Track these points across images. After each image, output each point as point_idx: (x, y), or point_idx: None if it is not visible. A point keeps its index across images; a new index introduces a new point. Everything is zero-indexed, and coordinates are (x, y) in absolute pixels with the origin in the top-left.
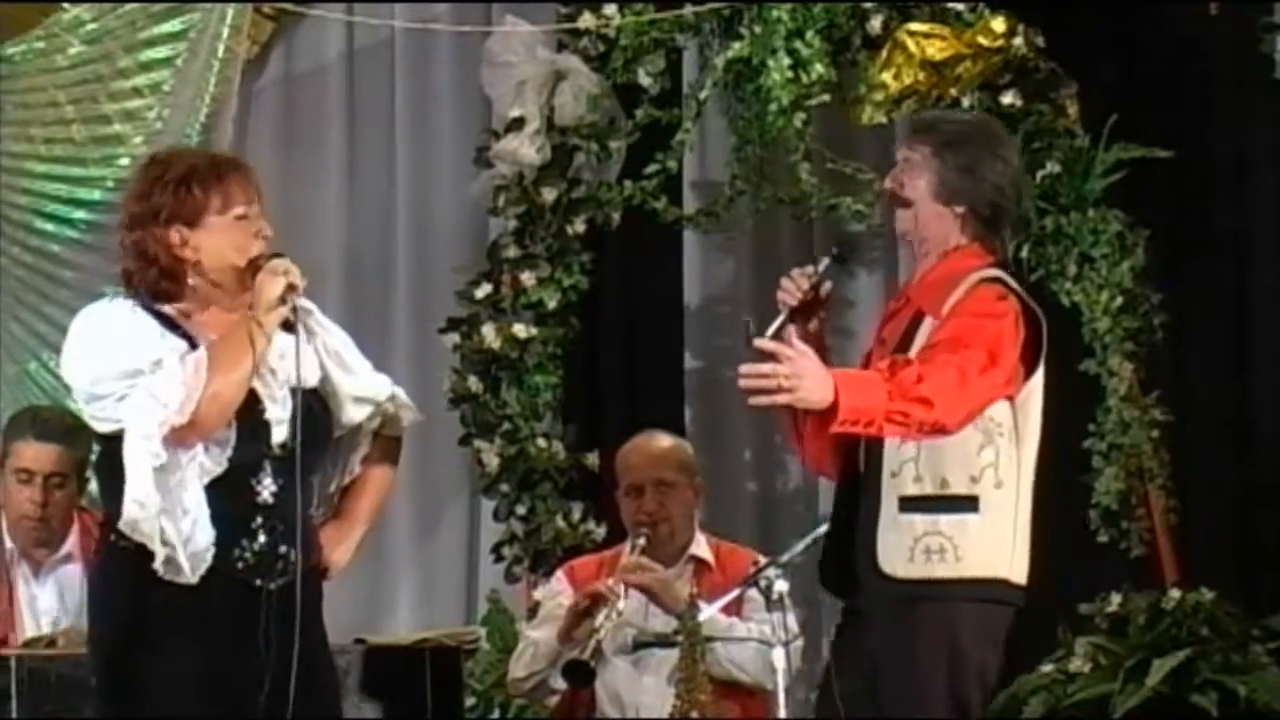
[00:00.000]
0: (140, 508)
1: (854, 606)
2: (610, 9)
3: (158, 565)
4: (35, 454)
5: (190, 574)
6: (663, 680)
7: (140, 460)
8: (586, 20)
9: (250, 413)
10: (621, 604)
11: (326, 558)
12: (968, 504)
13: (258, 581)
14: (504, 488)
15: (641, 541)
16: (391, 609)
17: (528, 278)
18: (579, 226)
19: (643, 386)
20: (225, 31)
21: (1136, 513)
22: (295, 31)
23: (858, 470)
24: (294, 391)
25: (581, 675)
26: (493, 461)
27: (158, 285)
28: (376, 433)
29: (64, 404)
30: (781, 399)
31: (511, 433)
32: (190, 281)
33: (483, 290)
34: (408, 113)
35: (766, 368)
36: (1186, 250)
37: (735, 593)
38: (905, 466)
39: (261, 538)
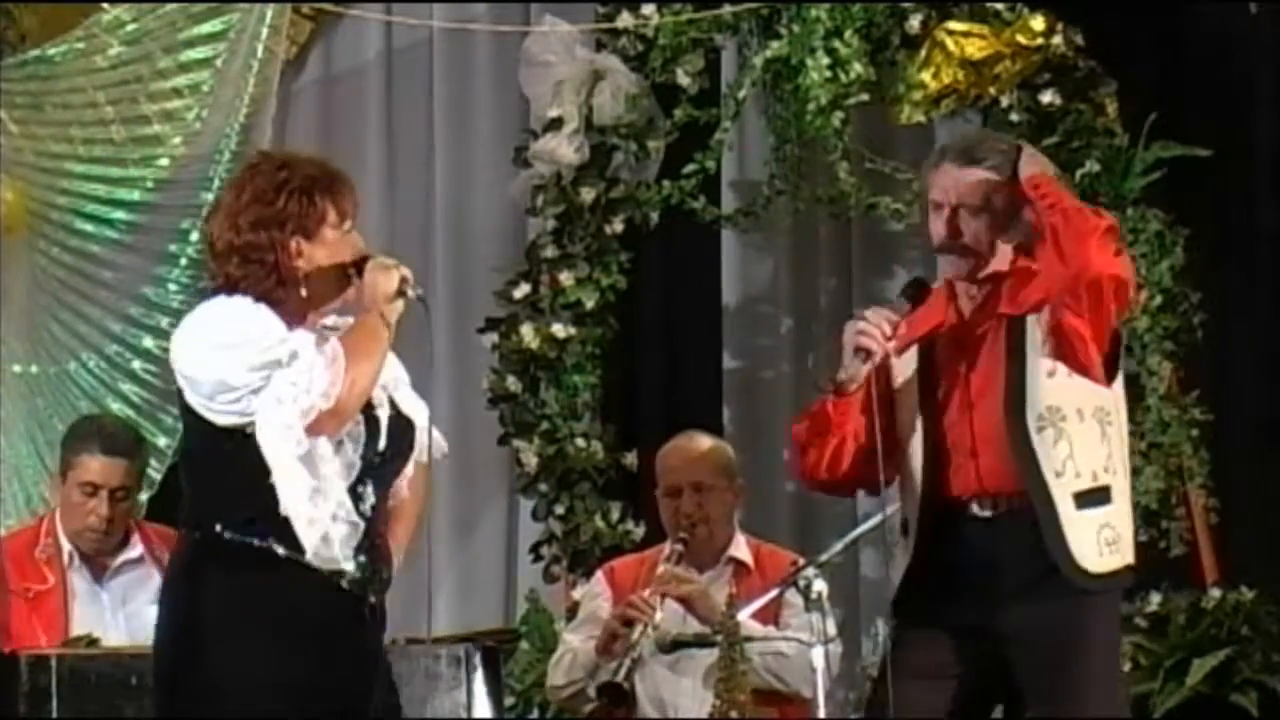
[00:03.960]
0: (297, 493)
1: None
2: (649, 8)
3: (309, 550)
4: (102, 468)
5: (340, 560)
6: (700, 681)
7: (286, 449)
8: (625, 20)
9: (368, 413)
10: (658, 616)
11: None
12: (1107, 494)
13: (360, 593)
14: (542, 487)
15: (680, 546)
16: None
17: (566, 277)
18: (617, 226)
19: (681, 386)
20: (264, 32)
21: (1176, 512)
22: (334, 32)
23: (943, 494)
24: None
25: (617, 695)
26: (531, 461)
27: (263, 289)
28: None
29: (105, 405)
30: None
31: (550, 432)
32: (289, 291)
33: (521, 290)
34: (446, 113)
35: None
36: (1226, 249)
37: (773, 593)
38: (1067, 464)
39: (365, 550)
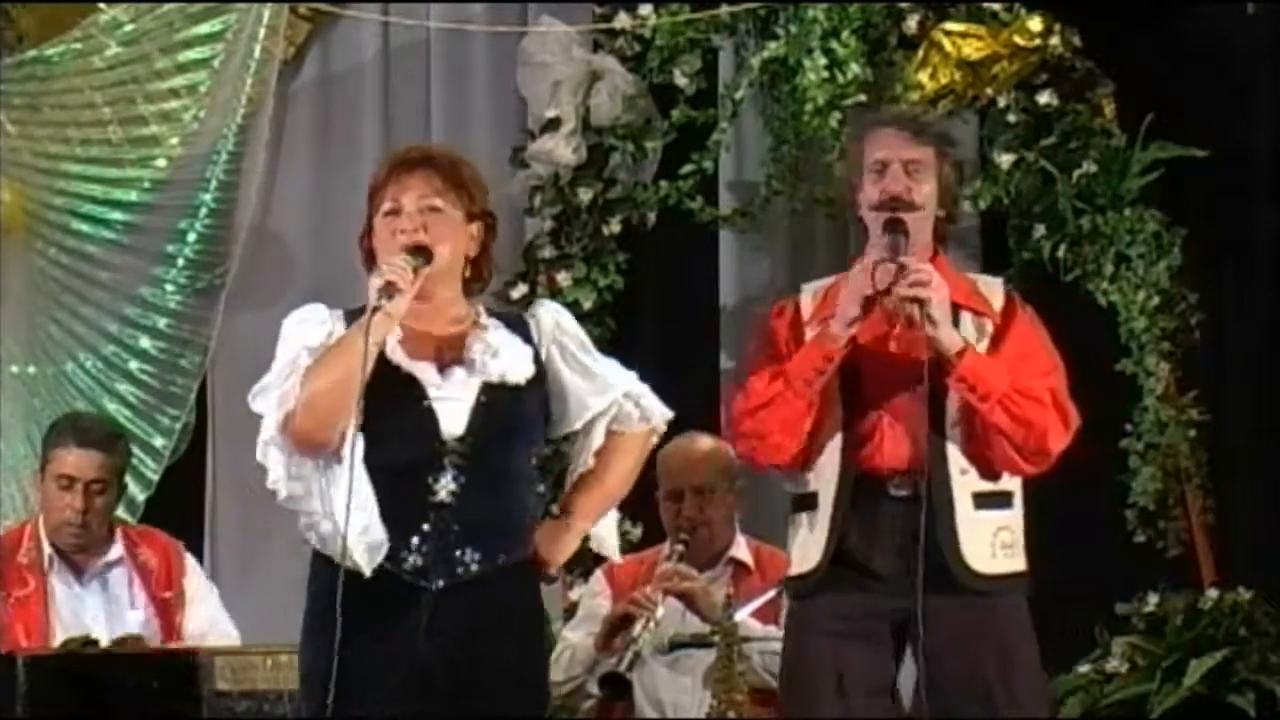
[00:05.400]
0: (292, 501)
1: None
2: (646, 9)
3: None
4: (77, 461)
5: (365, 568)
6: (699, 681)
7: (272, 464)
8: (622, 20)
9: (414, 405)
10: (660, 611)
11: (540, 554)
12: (1011, 499)
13: (422, 582)
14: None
15: (680, 548)
16: None
17: (563, 278)
18: (615, 227)
19: (678, 387)
20: (261, 33)
21: (1173, 512)
22: (331, 32)
23: (860, 470)
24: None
25: (618, 686)
26: None
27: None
28: (610, 430)
29: (102, 406)
30: (929, 295)
31: None
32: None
33: (519, 291)
34: (443, 113)
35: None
36: (1223, 249)
37: (772, 593)
38: (973, 464)
39: (433, 538)
